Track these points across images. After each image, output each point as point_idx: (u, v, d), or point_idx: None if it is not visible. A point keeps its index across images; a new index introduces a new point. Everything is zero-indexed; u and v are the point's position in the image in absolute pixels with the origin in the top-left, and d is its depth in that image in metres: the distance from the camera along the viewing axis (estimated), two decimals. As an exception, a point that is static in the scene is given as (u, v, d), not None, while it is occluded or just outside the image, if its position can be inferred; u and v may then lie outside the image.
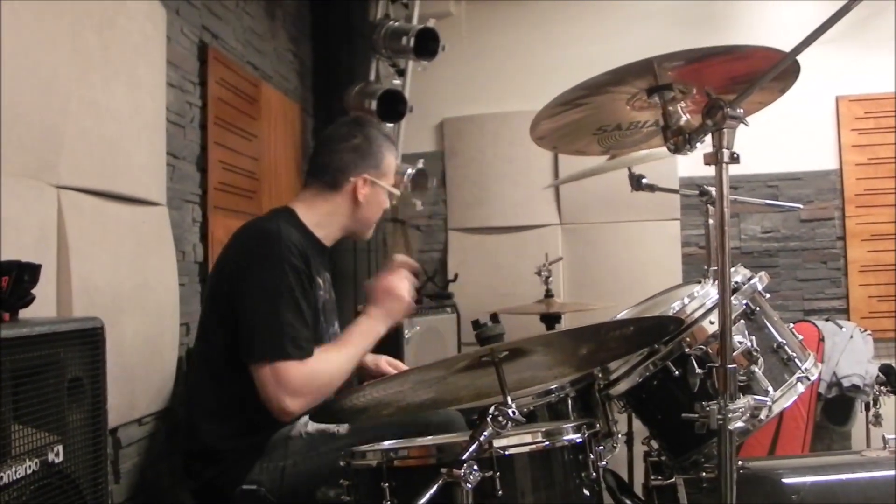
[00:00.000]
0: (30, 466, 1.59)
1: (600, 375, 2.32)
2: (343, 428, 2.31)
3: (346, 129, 2.61)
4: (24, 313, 1.75)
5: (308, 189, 2.58)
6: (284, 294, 2.24)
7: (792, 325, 2.38)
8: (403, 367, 2.73)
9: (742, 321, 2.14)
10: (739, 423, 1.63)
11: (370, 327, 2.38)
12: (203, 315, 2.54)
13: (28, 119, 2.15)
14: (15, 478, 1.55)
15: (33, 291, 1.77)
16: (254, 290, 2.26)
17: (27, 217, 2.15)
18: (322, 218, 2.53)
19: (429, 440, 2.05)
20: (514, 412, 1.55)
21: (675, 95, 1.79)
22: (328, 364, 2.27)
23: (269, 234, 2.33)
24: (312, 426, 2.34)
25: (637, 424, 2.90)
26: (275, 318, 2.21)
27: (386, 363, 2.71)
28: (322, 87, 4.54)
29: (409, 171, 4.13)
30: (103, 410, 1.85)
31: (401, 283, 2.44)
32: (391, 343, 3.33)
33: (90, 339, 1.82)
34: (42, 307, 1.95)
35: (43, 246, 2.21)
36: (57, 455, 1.68)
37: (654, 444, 2.38)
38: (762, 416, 1.96)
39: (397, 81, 4.36)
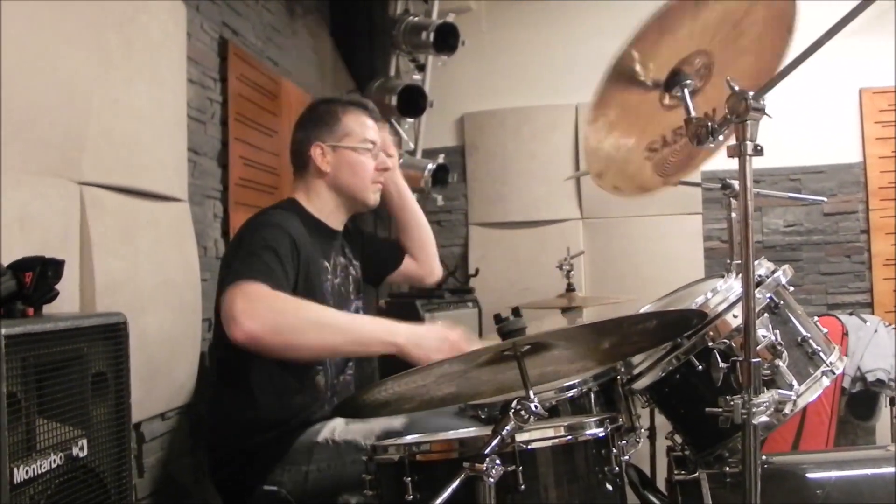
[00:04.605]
0: (55, 460, 1.61)
1: (623, 370, 2.31)
2: (370, 440, 2.20)
3: (301, 114, 2.64)
4: (47, 309, 1.77)
5: (294, 179, 2.59)
6: (263, 249, 2.15)
7: (816, 318, 2.35)
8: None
9: (766, 315, 2.11)
10: (763, 418, 1.61)
11: (384, 326, 2.17)
12: (214, 311, 2.46)
13: (51, 117, 2.17)
14: (40, 472, 1.57)
15: (57, 287, 1.78)
16: (232, 252, 2.27)
17: (50, 213, 2.16)
18: (317, 201, 2.53)
19: (451, 434, 2.05)
20: (536, 406, 1.54)
21: (695, 85, 1.77)
22: (303, 308, 2.12)
23: (259, 220, 2.34)
24: (340, 435, 2.30)
25: (660, 419, 2.88)
26: (250, 257, 2.13)
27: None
28: (342, 83, 4.54)
29: (430, 165, 4.13)
30: (127, 405, 1.87)
31: (445, 346, 2.13)
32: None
33: (113, 334, 1.84)
34: (65, 303, 1.97)
35: (66, 242, 2.22)
36: (81, 449, 1.69)
37: (678, 439, 2.36)
38: (786, 411, 1.94)
39: (417, 76, 4.36)
